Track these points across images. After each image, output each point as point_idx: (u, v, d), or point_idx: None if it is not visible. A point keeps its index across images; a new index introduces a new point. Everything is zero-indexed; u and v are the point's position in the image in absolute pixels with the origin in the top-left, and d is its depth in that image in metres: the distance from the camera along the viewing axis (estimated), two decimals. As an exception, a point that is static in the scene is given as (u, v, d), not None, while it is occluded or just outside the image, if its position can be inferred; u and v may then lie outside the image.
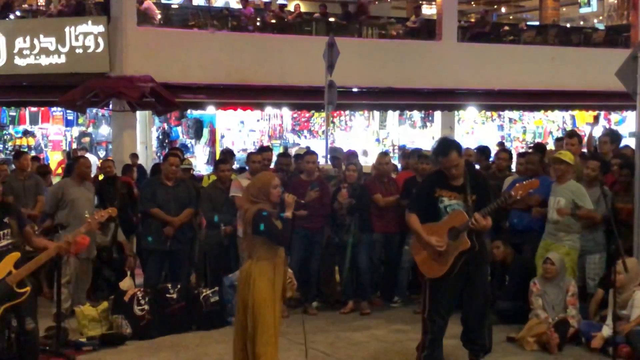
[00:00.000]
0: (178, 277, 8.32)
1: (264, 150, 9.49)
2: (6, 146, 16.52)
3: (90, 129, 17.10)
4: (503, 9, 29.11)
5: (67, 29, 14.34)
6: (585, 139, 11.68)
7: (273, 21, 17.32)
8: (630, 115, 18.55)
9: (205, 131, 17.19)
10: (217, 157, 13.83)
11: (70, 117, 16.61)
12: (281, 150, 15.60)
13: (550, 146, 14.33)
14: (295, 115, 17.94)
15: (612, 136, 9.81)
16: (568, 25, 24.54)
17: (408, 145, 16.90)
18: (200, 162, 16.66)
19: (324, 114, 13.19)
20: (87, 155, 14.47)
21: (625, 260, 6.38)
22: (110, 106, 14.64)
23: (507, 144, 19.11)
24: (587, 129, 19.41)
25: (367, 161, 13.71)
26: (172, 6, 17.77)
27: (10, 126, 16.60)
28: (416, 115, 19.12)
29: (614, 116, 20.71)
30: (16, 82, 14.46)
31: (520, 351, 6.96)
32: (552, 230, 7.60)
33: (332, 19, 18.22)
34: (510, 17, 29.13)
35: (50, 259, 6.17)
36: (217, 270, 8.52)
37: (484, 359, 6.25)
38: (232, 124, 17.48)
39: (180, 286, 7.94)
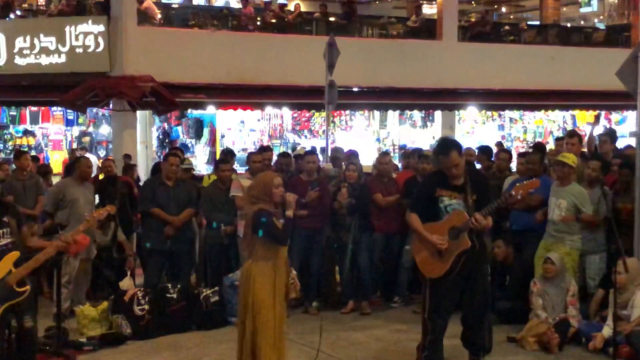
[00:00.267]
0: (178, 277, 8.33)
1: (264, 150, 9.49)
2: (6, 146, 16.51)
3: (90, 129, 17.08)
4: (503, 9, 29.08)
5: (67, 29, 14.33)
6: (586, 138, 11.65)
7: (273, 21, 17.31)
8: (631, 115, 18.55)
9: (206, 131, 17.18)
10: (218, 156, 13.82)
11: (70, 117, 16.60)
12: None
13: (551, 146, 14.34)
14: (295, 115, 17.93)
15: (611, 136, 9.80)
16: (568, 24, 24.52)
17: (408, 145, 16.91)
18: (200, 162, 16.65)
19: (324, 114, 13.18)
20: (87, 155, 14.52)
21: (625, 260, 6.37)
22: (111, 106, 14.63)
23: (508, 144, 19.13)
24: (587, 128, 19.38)
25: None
26: (173, 6, 17.76)
27: (11, 126, 16.58)
28: (416, 115, 19.11)
29: (615, 116, 20.70)
30: (16, 81, 14.45)
31: (520, 351, 6.96)
32: (553, 231, 7.59)
33: (332, 19, 18.21)
34: (511, 17, 29.10)
35: (51, 259, 6.16)
36: (217, 270, 8.52)
37: (484, 359, 6.24)
38: (232, 124, 17.47)
39: (181, 286, 7.94)
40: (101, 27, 14.29)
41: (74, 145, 16.52)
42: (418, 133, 19.11)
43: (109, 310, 7.61)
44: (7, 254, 5.67)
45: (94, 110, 16.03)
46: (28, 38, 14.36)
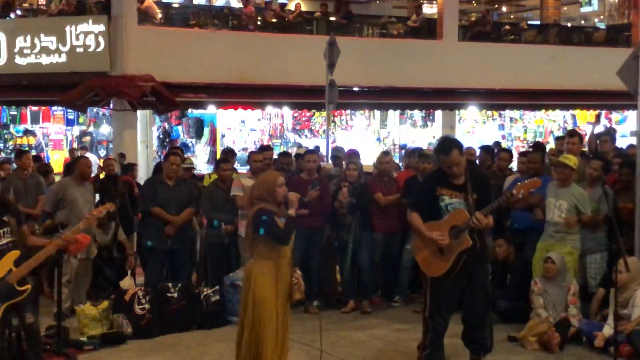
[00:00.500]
0: (179, 276, 8.33)
1: (265, 149, 9.49)
2: (7, 145, 16.51)
3: (91, 128, 17.09)
4: (504, 8, 29.09)
5: (67, 28, 14.34)
6: (587, 138, 11.67)
7: (274, 20, 17.32)
8: (631, 115, 18.56)
9: (206, 130, 17.19)
10: (218, 156, 13.82)
11: (71, 117, 16.61)
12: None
13: (551, 145, 14.35)
14: (296, 114, 17.94)
15: (612, 135, 9.82)
16: (569, 24, 24.53)
17: (409, 145, 16.92)
18: (201, 162, 16.65)
19: (324, 113, 13.18)
20: (88, 154, 14.52)
21: (626, 260, 6.37)
22: (111, 105, 14.64)
23: (508, 143, 19.15)
24: (588, 128, 19.41)
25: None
26: (173, 5, 17.76)
27: (11, 125, 16.59)
28: (417, 114, 19.12)
29: (615, 115, 20.70)
30: (17, 81, 14.46)
31: (521, 350, 6.95)
32: (552, 232, 7.58)
33: (332, 18, 18.21)
34: (511, 17, 29.11)
35: (51, 257, 6.16)
36: (218, 270, 8.52)
37: (485, 358, 6.24)
38: (232, 123, 17.48)
39: (181, 285, 7.94)
40: (102, 27, 14.29)
41: (75, 145, 16.52)
42: (418, 133, 19.12)
43: (110, 309, 7.62)
44: (8, 253, 5.67)
45: (95, 109, 16.04)
46: (28, 38, 14.37)
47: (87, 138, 16.76)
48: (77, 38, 14.33)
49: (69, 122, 16.74)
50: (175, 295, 7.78)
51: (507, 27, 20.66)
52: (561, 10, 22.91)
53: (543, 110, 19.66)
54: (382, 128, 19.02)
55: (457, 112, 18.49)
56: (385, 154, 9.53)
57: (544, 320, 7.11)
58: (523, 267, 7.86)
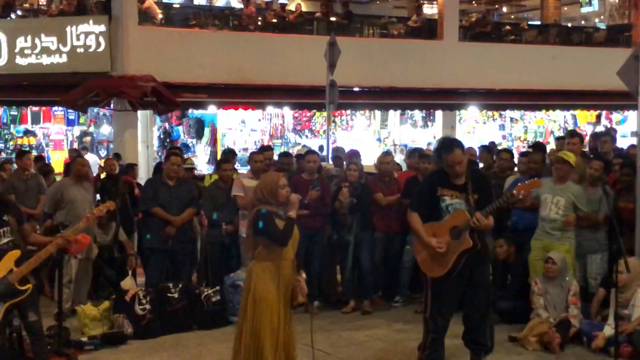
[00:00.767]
0: (179, 277, 8.32)
1: (265, 149, 9.49)
2: (7, 145, 16.52)
3: (91, 129, 17.10)
4: (504, 9, 29.08)
5: (68, 29, 14.35)
6: (587, 138, 11.68)
7: (274, 20, 17.32)
8: (632, 115, 18.56)
9: (207, 131, 17.21)
10: (219, 156, 13.83)
11: (71, 117, 16.63)
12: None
13: (552, 146, 14.35)
14: (296, 114, 17.95)
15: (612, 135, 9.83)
16: (569, 24, 24.51)
17: (409, 145, 16.94)
18: (201, 162, 16.66)
19: (325, 114, 13.19)
20: (89, 154, 14.54)
21: (627, 260, 6.37)
22: (112, 105, 14.64)
23: (509, 144, 19.17)
24: (588, 128, 19.42)
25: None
26: (174, 5, 17.78)
27: (12, 125, 16.60)
28: (417, 114, 19.14)
29: (616, 116, 20.71)
30: (17, 81, 14.47)
31: (521, 351, 6.95)
32: (549, 229, 7.57)
33: (333, 19, 18.21)
34: (512, 17, 29.11)
35: (52, 258, 6.17)
36: (219, 270, 8.52)
37: (486, 359, 6.24)
38: (233, 124, 17.49)
39: (182, 285, 7.94)
40: (102, 27, 14.30)
41: (75, 145, 16.53)
42: (419, 133, 19.13)
43: (110, 309, 7.62)
44: (8, 252, 5.68)
45: (95, 110, 16.05)
46: (29, 38, 14.38)
47: (88, 138, 16.76)
48: (78, 38, 14.35)
49: (70, 123, 16.75)
50: (176, 295, 7.78)
51: (507, 27, 20.65)
52: (561, 10, 22.90)
53: (543, 111, 19.67)
54: (382, 128, 19.04)
55: (457, 112, 18.50)
56: (386, 154, 9.53)
57: (544, 321, 7.11)
58: (524, 267, 7.85)
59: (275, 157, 9.95)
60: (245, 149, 16.61)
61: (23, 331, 6.10)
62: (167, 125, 17.10)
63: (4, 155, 15.79)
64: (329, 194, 8.48)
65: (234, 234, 8.43)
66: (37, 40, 14.36)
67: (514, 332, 7.23)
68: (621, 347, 6.45)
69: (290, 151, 13.70)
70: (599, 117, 20.48)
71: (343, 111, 17.87)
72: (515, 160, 9.36)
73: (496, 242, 7.95)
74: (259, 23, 17.14)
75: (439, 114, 18.52)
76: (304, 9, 19.37)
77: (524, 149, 15.84)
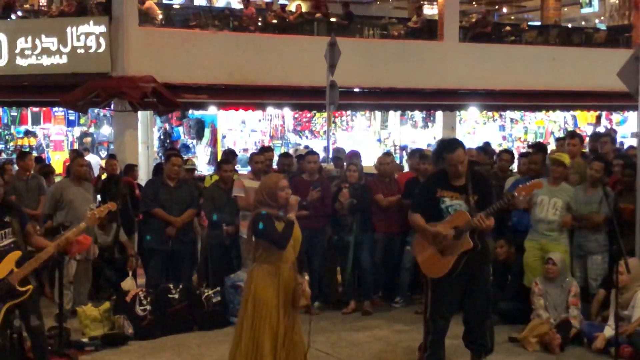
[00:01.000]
0: (180, 277, 8.33)
1: (265, 150, 9.50)
2: (7, 146, 16.52)
3: (91, 129, 17.09)
4: (504, 9, 29.11)
5: (68, 29, 14.33)
6: (587, 139, 11.67)
7: (274, 21, 17.33)
8: (632, 116, 18.56)
9: (207, 131, 17.20)
10: (219, 157, 13.83)
11: (72, 118, 16.60)
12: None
13: (552, 146, 14.35)
14: (296, 115, 17.95)
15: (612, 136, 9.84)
16: (569, 25, 24.52)
17: (409, 146, 16.93)
18: (201, 163, 16.66)
19: (325, 114, 13.19)
20: (90, 155, 14.55)
21: (627, 261, 6.37)
22: (112, 106, 14.64)
23: (509, 144, 19.17)
24: (588, 129, 19.41)
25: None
26: (174, 6, 17.78)
27: (12, 126, 16.59)
28: (418, 115, 19.13)
29: (616, 116, 20.71)
30: (18, 82, 14.45)
31: (522, 351, 6.96)
32: (546, 231, 7.59)
33: (333, 19, 18.22)
34: (512, 17, 29.13)
35: (53, 259, 6.17)
36: (219, 271, 8.52)
37: (486, 359, 6.24)
38: (233, 124, 17.49)
39: (182, 286, 7.94)
40: (102, 28, 14.29)
41: (76, 146, 16.53)
42: (419, 133, 19.13)
43: (111, 310, 7.62)
44: (9, 253, 5.68)
45: (95, 110, 16.04)
46: (29, 38, 14.36)
47: (88, 139, 16.75)
48: (78, 39, 14.33)
49: (70, 123, 16.74)
50: (177, 296, 7.78)
51: (507, 28, 20.67)
52: (561, 11, 22.91)
53: (544, 111, 19.67)
54: (382, 129, 19.03)
55: (457, 113, 18.48)
56: (386, 154, 9.53)
57: (544, 321, 7.12)
58: (524, 268, 7.86)
59: (276, 158, 9.96)
60: (246, 150, 16.62)
61: (24, 332, 6.10)
62: (167, 126, 17.10)
63: (4, 156, 15.79)
64: (329, 195, 8.48)
65: (235, 235, 8.44)
66: (37, 41, 14.35)
67: (514, 333, 7.23)
68: (621, 348, 6.46)
69: (291, 151, 13.69)
70: (599, 118, 20.47)
71: (343, 112, 17.85)
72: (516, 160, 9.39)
73: (496, 243, 7.95)
74: (259, 24, 17.14)
75: (439, 114, 18.51)
76: (304, 9, 19.38)
77: (524, 150, 15.86)
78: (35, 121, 16.56)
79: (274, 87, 15.66)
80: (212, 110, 16.25)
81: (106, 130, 16.90)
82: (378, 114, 18.68)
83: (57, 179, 10.93)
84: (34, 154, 13.78)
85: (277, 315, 5.27)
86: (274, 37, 16.47)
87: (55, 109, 16.22)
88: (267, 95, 15.70)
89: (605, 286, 7.33)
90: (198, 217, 8.97)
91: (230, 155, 10.65)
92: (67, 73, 14.26)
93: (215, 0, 21.75)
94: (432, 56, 17.29)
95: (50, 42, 14.36)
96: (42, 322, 5.87)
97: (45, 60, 14.38)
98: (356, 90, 16.45)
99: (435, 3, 21.89)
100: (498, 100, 18.09)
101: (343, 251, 8.60)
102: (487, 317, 6.22)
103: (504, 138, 19.99)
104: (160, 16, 16.03)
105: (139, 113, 14.99)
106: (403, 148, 18.33)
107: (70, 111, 15.94)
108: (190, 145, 17.04)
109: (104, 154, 16.47)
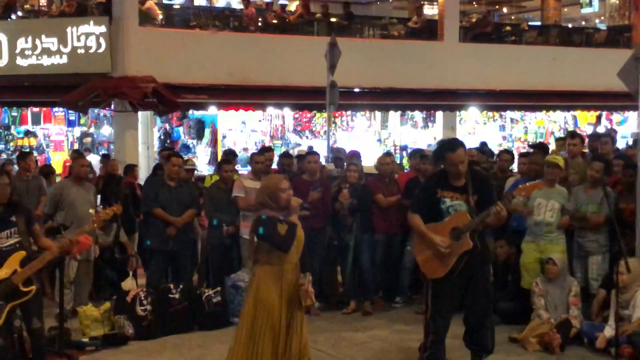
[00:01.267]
0: (180, 278, 8.33)
1: (266, 150, 9.50)
2: (8, 146, 16.53)
3: (92, 130, 17.11)
4: (505, 9, 29.08)
5: (69, 30, 14.35)
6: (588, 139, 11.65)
7: (275, 21, 17.33)
8: (632, 116, 18.58)
9: (207, 131, 17.22)
10: (219, 157, 13.83)
11: (72, 118, 16.63)
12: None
13: (552, 147, 14.35)
14: (297, 115, 17.96)
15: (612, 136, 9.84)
16: (570, 25, 24.52)
17: (410, 146, 16.93)
18: (202, 163, 16.67)
19: (325, 115, 13.19)
20: (91, 155, 14.54)
21: (627, 261, 6.37)
22: (112, 106, 14.65)
23: (509, 144, 19.17)
24: (589, 129, 19.42)
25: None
26: (174, 6, 17.78)
27: (12, 126, 16.61)
28: (418, 115, 19.14)
29: (616, 116, 20.72)
30: (18, 82, 14.47)
31: (522, 351, 6.96)
32: (544, 232, 7.60)
33: (333, 19, 18.22)
34: (512, 18, 29.11)
35: (55, 259, 6.17)
36: (220, 271, 8.52)
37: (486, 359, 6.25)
38: (233, 125, 17.50)
39: (183, 286, 7.94)
40: (103, 28, 14.30)
41: (76, 146, 16.54)
42: (419, 134, 19.14)
43: (112, 310, 7.62)
44: (14, 253, 5.69)
45: (96, 111, 16.06)
46: (30, 39, 14.38)
47: (88, 139, 16.78)
48: (78, 39, 14.34)
49: (70, 123, 16.76)
50: (177, 296, 7.78)
51: (507, 28, 20.66)
52: (562, 11, 22.90)
53: (544, 111, 19.68)
54: (383, 129, 19.04)
55: (457, 113, 18.50)
56: (387, 155, 9.53)
57: (545, 322, 7.12)
58: (521, 270, 7.86)
59: (276, 158, 9.96)
60: (246, 150, 16.64)
61: (24, 332, 6.10)
62: (167, 126, 17.12)
63: (4, 156, 15.80)
64: (329, 195, 8.48)
65: (235, 235, 8.44)
66: (37, 41, 14.36)
67: (515, 333, 7.23)
68: (622, 347, 6.47)
69: (291, 152, 13.70)
70: (599, 118, 20.48)
71: (343, 112, 17.86)
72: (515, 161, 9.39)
73: (497, 243, 7.96)
74: (260, 24, 17.15)
75: (439, 114, 18.52)
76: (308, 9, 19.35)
77: (524, 150, 15.87)
78: (36, 121, 16.58)
79: (274, 87, 15.67)
80: (212, 110, 16.26)
81: (106, 131, 16.91)
82: (378, 114, 18.68)
83: (58, 179, 10.94)
84: (35, 154, 13.80)
85: (279, 317, 5.26)
86: (274, 37, 16.47)
87: (56, 109, 16.24)
88: (267, 95, 15.71)
89: (606, 286, 7.33)
90: (198, 217, 8.97)
91: (230, 155, 10.65)
92: (68, 73, 14.28)
93: (216, 0, 21.74)
94: (432, 56, 17.29)
95: (51, 43, 14.38)
96: (42, 325, 5.88)
97: (46, 61, 14.40)
98: (356, 90, 16.46)
99: (435, 3, 21.89)
100: (498, 100, 18.10)
101: (343, 251, 8.60)
102: (488, 317, 6.22)
103: (504, 138, 19.99)
104: (161, 16, 16.04)
105: (139, 113, 15.00)
106: (403, 148, 18.35)
107: (70, 111, 15.96)
108: (191, 146, 17.06)
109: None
